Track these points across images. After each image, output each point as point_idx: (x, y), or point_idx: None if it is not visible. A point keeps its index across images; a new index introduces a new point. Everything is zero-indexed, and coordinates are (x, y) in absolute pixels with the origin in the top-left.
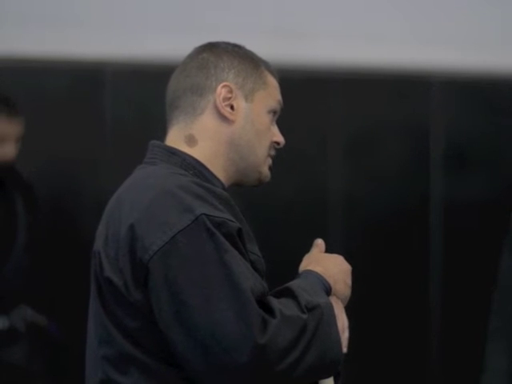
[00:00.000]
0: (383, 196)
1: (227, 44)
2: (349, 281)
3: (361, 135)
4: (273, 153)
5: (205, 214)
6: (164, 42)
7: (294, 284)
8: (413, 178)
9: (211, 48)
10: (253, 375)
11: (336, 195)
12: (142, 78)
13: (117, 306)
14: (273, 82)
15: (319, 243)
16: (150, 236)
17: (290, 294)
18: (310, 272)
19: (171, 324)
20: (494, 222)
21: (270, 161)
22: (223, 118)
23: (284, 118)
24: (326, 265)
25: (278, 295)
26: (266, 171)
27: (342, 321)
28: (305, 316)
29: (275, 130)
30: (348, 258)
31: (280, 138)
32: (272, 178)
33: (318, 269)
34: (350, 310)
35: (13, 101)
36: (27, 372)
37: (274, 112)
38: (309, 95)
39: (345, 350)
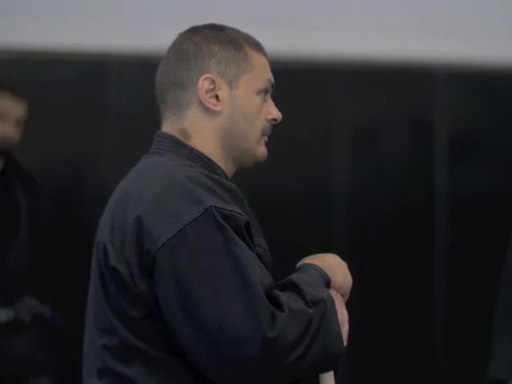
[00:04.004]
0: (388, 188)
1: (208, 29)
2: (347, 273)
3: (366, 127)
4: (268, 132)
5: (214, 206)
6: (169, 34)
7: (297, 278)
8: (417, 169)
9: (191, 37)
10: (260, 369)
11: (341, 187)
12: (147, 69)
13: (121, 296)
14: (259, 61)
15: None
16: (159, 227)
17: (295, 288)
18: (309, 265)
19: (178, 316)
20: (498, 213)
21: (265, 139)
22: (209, 110)
23: (290, 111)
24: (324, 258)
25: (282, 288)
26: (261, 152)
27: (342, 314)
28: (311, 310)
29: (270, 106)
30: (352, 250)
31: (275, 114)
32: (277, 170)
33: (316, 262)
34: (353, 301)
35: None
36: (32, 363)
37: (265, 91)
38: (314, 87)
39: (345, 342)
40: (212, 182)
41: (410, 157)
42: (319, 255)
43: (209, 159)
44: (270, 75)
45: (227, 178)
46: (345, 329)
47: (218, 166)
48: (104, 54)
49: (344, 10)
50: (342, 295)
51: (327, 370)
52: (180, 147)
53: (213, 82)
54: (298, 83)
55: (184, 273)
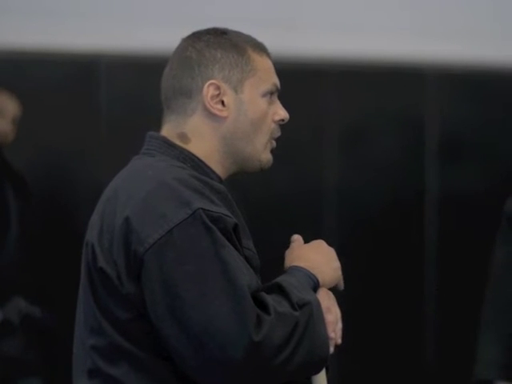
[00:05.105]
0: (378, 187)
1: (210, 34)
2: (334, 264)
3: (356, 127)
4: (277, 134)
5: (202, 209)
6: (159, 34)
7: (283, 280)
8: (407, 169)
9: (193, 43)
10: (246, 371)
11: (331, 187)
12: (137, 69)
13: (109, 297)
14: (263, 64)
15: (296, 238)
16: (146, 229)
17: (281, 291)
18: (296, 268)
19: (165, 318)
20: (488, 213)
21: (273, 143)
22: (214, 116)
23: None
24: (310, 257)
25: (269, 291)
26: (266, 158)
27: (335, 312)
28: (297, 313)
29: (277, 107)
30: (343, 250)
31: (283, 115)
32: (267, 170)
33: (302, 264)
34: (344, 300)
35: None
36: (22, 364)
37: (271, 93)
38: (304, 87)
39: (339, 340)
40: (201, 184)
41: (400, 156)
42: (305, 250)
43: (200, 161)
44: (274, 77)
45: (221, 181)
46: (338, 327)
47: (210, 168)
48: (94, 54)
49: (335, 11)
50: (336, 286)
51: (313, 373)
52: (170, 148)
53: (218, 87)
54: (289, 83)
55: (171, 274)
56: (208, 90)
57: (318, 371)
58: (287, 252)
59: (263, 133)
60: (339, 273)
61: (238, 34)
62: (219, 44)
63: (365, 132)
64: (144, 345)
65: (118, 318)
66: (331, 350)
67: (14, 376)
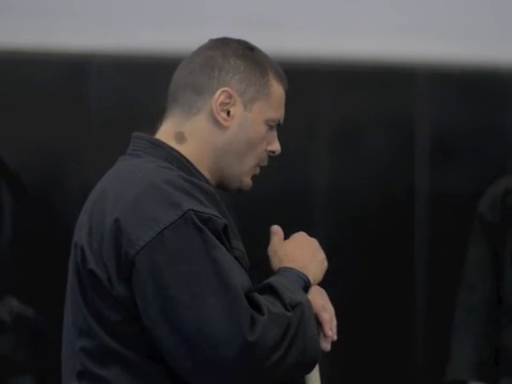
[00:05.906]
0: (368, 188)
1: (240, 44)
2: (320, 256)
3: (346, 128)
4: (265, 163)
5: (192, 210)
6: (151, 34)
7: (275, 281)
8: (398, 170)
9: (221, 47)
10: (240, 372)
11: (321, 188)
12: (129, 70)
13: (99, 298)
14: (278, 93)
15: (276, 230)
16: (137, 231)
17: (273, 291)
18: (286, 269)
19: (157, 319)
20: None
21: (257, 170)
22: (217, 123)
23: None
24: (297, 256)
25: (261, 292)
26: (247, 181)
27: (329, 309)
28: (289, 314)
29: (272, 137)
30: (333, 251)
31: (275, 147)
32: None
33: (292, 264)
34: (334, 302)
35: None
36: (14, 363)
37: (273, 123)
38: (295, 87)
39: (335, 337)
40: (190, 185)
41: (390, 157)
42: (290, 249)
43: (188, 162)
44: (283, 110)
45: (208, 182)
46: (334, 324)
47: (197, 170)
48: (86, 54)
49: (325, 10)
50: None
51: (305, 373)
52: (157, 148)
53: (230, 96)
54: None
55: (163, 276)
56: (220, 96)
57: (308, 372)
58: (269, 248)
59: (254, 156)
60: (325, 264)
61: (264, 55)
62: (245, 57)
63: (355, 132)
64: (135, 346)
65: (108, 320)
66: (328, 347)
67: (5, 375)
